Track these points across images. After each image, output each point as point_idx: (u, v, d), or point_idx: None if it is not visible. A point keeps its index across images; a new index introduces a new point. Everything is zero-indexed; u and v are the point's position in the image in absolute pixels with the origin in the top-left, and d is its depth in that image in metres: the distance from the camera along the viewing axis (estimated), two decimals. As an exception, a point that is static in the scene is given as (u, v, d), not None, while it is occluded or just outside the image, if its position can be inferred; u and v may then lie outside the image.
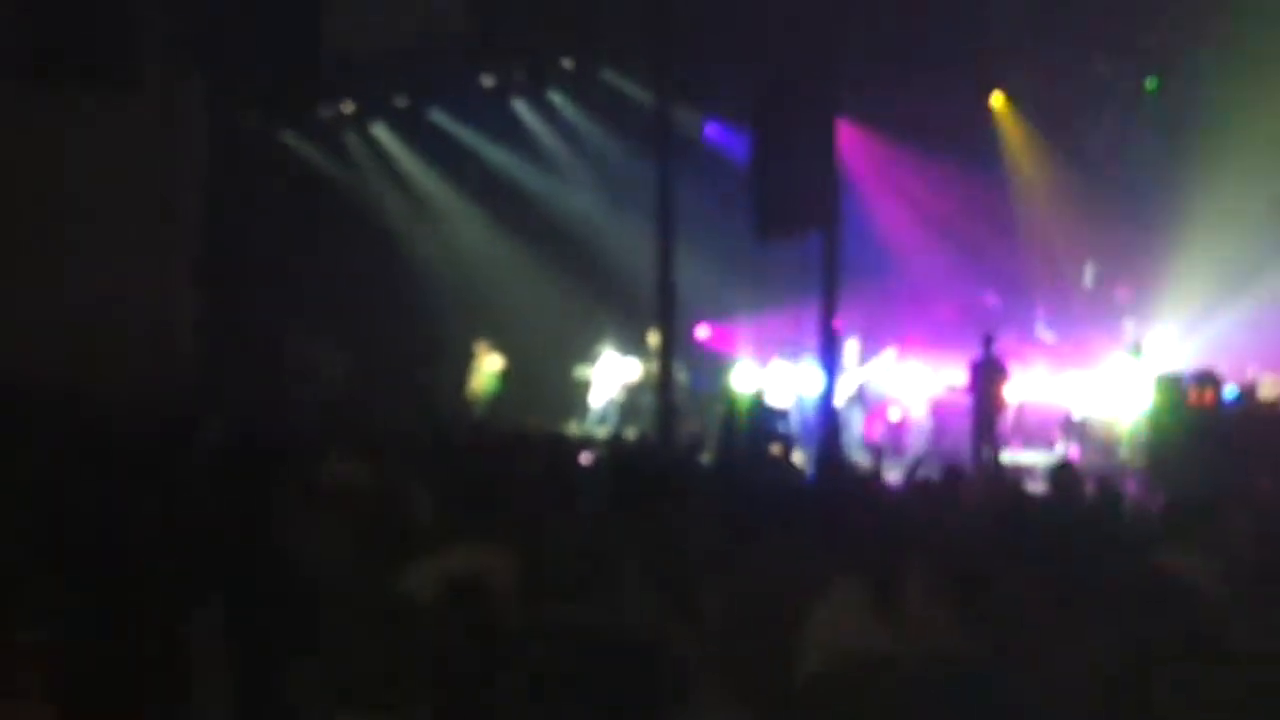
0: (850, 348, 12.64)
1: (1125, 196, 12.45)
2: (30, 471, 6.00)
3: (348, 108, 14.29)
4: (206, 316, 12.97)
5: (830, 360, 11.58)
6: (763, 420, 12.17)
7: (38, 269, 12.07)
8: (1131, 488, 10.47)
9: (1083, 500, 8.12)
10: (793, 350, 12.52)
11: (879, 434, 12.77)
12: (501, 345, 13.15)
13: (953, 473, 7.84)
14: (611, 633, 3.12)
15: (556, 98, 13.59)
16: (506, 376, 12.80)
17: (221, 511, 5.08)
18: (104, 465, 6.22)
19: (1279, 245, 11.62)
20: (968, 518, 6.62)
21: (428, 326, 13.45)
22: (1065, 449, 11.93)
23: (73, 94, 12.03)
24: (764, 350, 13.00)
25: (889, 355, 12.93)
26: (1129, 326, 12.21)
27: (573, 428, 12.34)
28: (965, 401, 11.94)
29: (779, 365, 12.86)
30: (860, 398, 12.77)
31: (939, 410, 12.57)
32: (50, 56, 11.53)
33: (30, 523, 4.56)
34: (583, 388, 13.00)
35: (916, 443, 12.55)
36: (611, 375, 12.92)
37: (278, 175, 13.74)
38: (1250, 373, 11.53)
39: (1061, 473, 8.24)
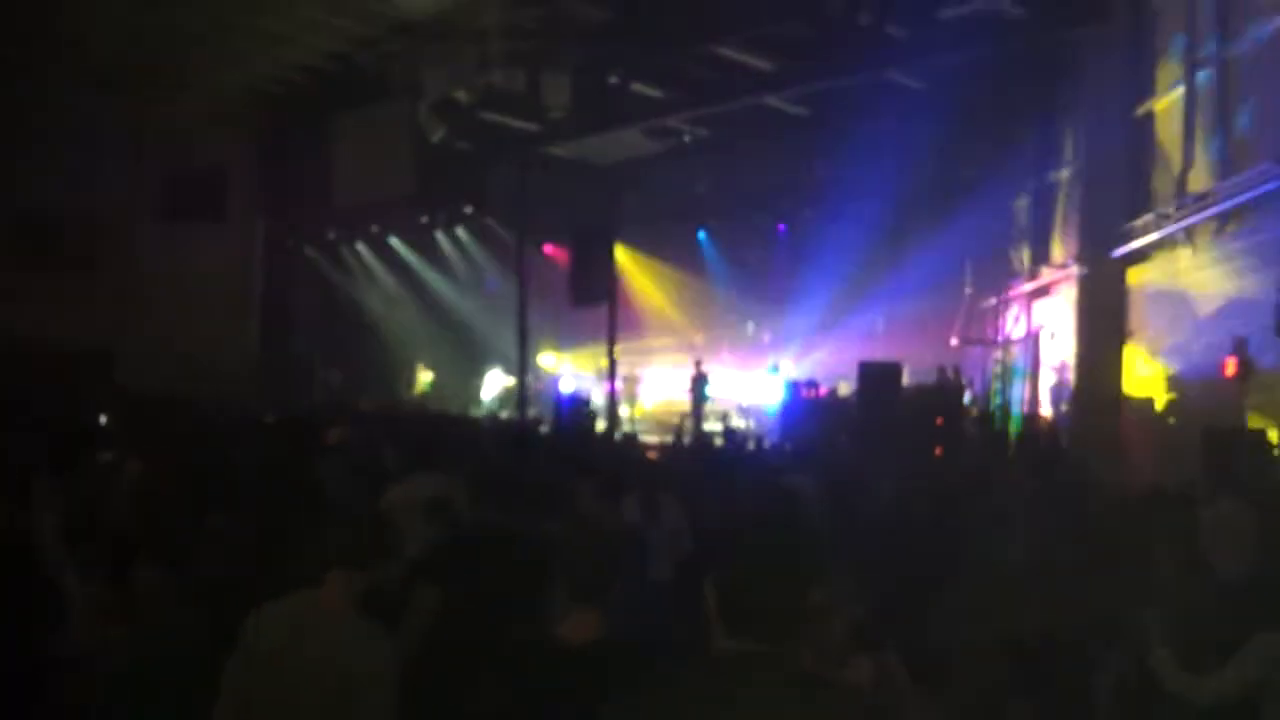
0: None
1: (772, 287, 20.94)
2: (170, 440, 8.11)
3: (343, 233, 22.00)
4: (265, 355, 20.98)
5: (612, 372, 20.25)
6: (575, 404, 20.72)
7: (167, 327, 19.35)
8: (772, 440, 17.17)
9: (744, 446, 14.59)
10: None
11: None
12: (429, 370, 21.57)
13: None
14: (509, 533, 4.55)
15: (460, 231, 21.28)
16: (433, 385, 21.24)
17: (275, 456, 7.14)
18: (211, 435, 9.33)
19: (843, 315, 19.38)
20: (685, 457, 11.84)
21: (388, 359, 21.47)
22: (740, 421, 19.86)
23: (190, 226, 19.89)
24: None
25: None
26: (771, 356, 20.31)
27: (473, 410, 20.31)
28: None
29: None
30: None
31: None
32: (181, 207, 19.80)
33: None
34: (477, 390, 21.33)
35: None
36: (494, 383, 21.44)
37: (303, 274, 21.97)
38: (837, 380, 18.54)
39: (731, 432, 16.54)
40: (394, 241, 21.98)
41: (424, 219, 21.31)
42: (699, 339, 21.31)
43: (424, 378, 20.96)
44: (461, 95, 17.22)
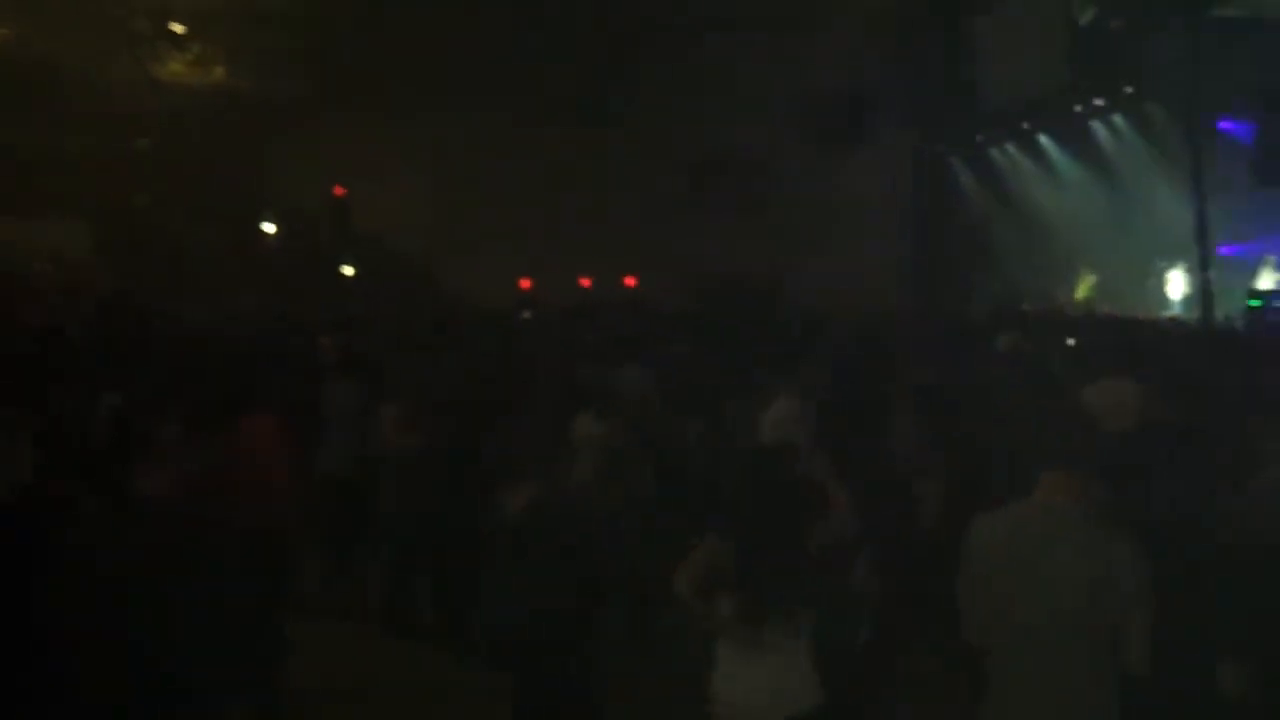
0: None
1: None
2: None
3: (991, 136, 21.52)
4: (921, 267, 21.35)
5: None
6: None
7: (827, 248, 21.03)
8: None
9: None
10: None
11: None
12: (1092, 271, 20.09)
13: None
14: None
15: (1118, 118, 19.54)
16: (1097, 286, 19.80)
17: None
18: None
19: None
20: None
21: (1048, 262, 20.45)
22: None
23: (841, 148, 21.34)
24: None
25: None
26: None
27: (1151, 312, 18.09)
28: None
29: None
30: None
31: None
32: (831, 131, 20.86)
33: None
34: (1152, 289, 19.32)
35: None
36: (1176, 281, 19.30)
37: (954, 182, 21.82)
38: None
39: None
40: (1044, 138, 20.81)
41: (1077, 109, 19.89)
42: None
43: (1087, 279, 19.64)
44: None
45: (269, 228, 26.92)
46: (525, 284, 24.97)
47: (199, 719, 3.82)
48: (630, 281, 24.70)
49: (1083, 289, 19.58)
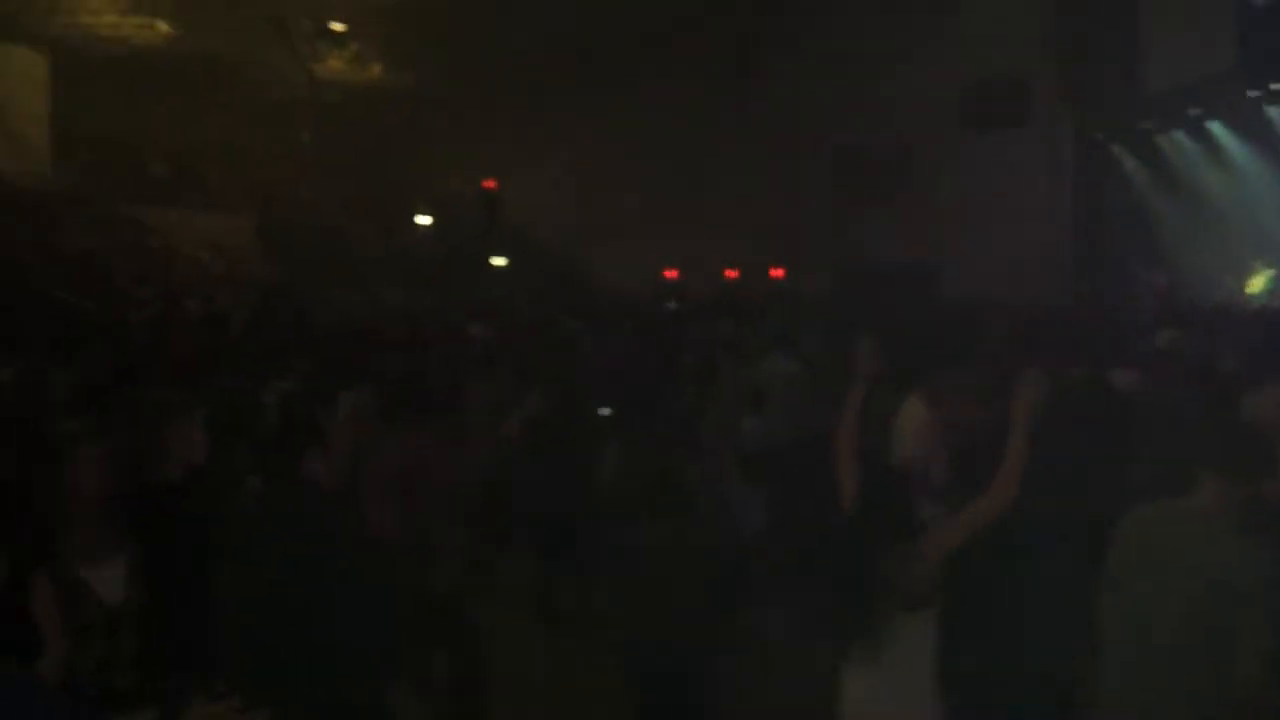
0: None
1: None
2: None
3: (1158, 122, 20.28)
4: (1078, 258, 20.57)
5: None
6: None
7: (978, 237, 20.46)
8: None
9: None
10: None
11: None
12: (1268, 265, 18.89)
13: None
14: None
15: None
16: (1274, 280, 18.64)
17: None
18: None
19: None
20: None
21: (1219, 255, 19.22)
22: None
23: (994, 133, 20.65)
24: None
25: None
26: None
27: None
28: None
29: None
30: None
31: None
32: (982, 116, 20.19)
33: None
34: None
35: None
36: None
37: (1116, 170, 20.88)
38: None
39: None
40: (1215, 125, 19.63)
41: (1251, 94, 18.63)
42: None
43: (1262, 273, 18.52)
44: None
45: (422, 220, 27.56)
46: (670, 274, 24.96)
47: (361, 701, 3.86)
48: (777, 273, 24.44)
49: (1257, 283, 18.47)
